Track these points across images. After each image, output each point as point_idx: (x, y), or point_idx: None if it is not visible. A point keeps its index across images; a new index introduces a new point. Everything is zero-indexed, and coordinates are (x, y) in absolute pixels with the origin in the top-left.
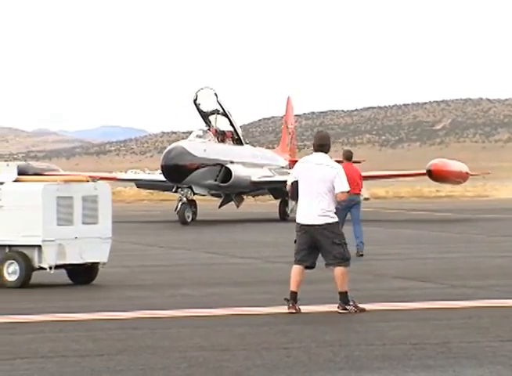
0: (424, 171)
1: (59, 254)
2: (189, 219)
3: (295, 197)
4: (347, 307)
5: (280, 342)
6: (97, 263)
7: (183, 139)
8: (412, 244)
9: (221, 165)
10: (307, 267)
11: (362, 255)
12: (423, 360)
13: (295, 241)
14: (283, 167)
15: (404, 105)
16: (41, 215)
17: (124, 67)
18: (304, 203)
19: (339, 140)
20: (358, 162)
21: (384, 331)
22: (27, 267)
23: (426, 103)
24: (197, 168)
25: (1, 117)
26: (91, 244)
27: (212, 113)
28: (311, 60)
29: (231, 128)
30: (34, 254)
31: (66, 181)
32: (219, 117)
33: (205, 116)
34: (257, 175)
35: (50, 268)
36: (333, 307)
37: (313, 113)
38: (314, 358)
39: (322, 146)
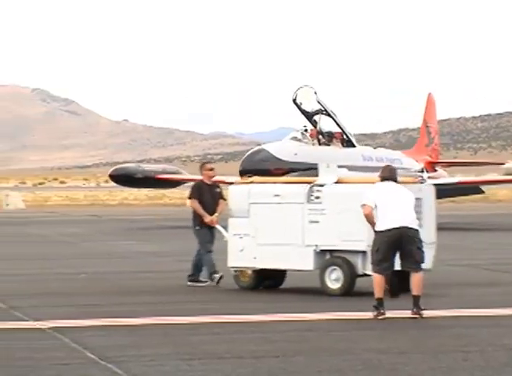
0: None
1: None
2: None
3: (373, 221)
4: (421, 311)
5: (456, 345)
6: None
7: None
8: None
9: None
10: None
11: None
12: None
13: (377, 250)
14: (409, 169)
15: None
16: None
17: (298, 69)
18: (394, 210)
19: None
20: (502, 164)
21: None
22: (351, 274)
23: None
24: (285, 173)
25: (180, 121)
26: None
27: (316, 113)
28: (486, 61)
29: (338, 129)
30: (357, 261)
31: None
32: (323, 117)
33: (309, 116)
34: None
35: None
36: (509, 311)
37: (489, 114)
38: (491, 362)
39: (390, 177)
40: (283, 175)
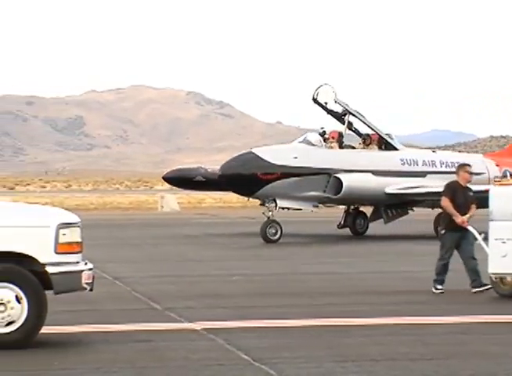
0: None
1: None
2: (275, 237)
3: None
4: None
5: None
6: None
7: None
8: None
9: (330, 174)
10: None
11: None
12: None
13: None
14: (479, 173)
15: None
16: None
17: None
18: None
19: None
20: None
21: None
22: None
23: None
24: (279, 178)
25: (333, 123)
26: None
27: (344, 113)
28: None
29: (371, 131)
30: None
31: None
32: (352, 118)
33: (337, 116)
34: (399, 185)
35: None
36: None
37: None
38: None
39: None
40: (277, 179)
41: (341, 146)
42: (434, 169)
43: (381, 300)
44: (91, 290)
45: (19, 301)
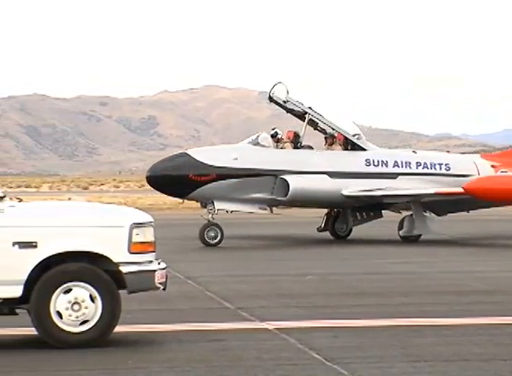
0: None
1: None
2: (215, 241)
3: None
4: None
5: None
6: None
7: None
8: None
9: (276, 176)
10: None
11: None
12: None
13: None
14: (467, 175)
15: None
16: None
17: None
18: None
19: None
20: None
21: None
22: None
23: None
24: (216, 180)
25: (405, 122)
26: None
27: (305, 112)
28: None
29: (335, 131)
30: None
31: None
32: (312, 118)
33: (297, 115)
34: (360, 187)
35: None
36: None
37: None
38: None
39: None
40: (213, 181)
41: (297, 147)
42: (407, 170)
43: (454, 300)
44: (164, 289)
45: (93, 301)
